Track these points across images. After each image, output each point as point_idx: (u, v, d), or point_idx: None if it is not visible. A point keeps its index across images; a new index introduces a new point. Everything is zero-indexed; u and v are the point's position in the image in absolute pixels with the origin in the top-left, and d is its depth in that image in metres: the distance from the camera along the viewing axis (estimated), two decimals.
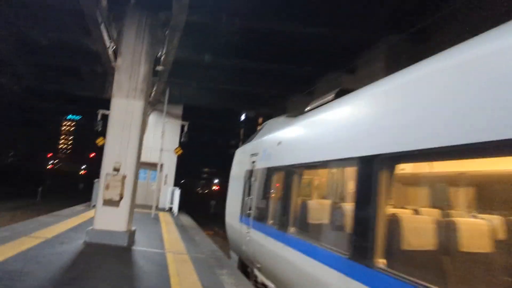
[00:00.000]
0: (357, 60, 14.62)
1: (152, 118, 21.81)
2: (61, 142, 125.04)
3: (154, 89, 17.15)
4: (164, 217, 17.47)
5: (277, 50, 14.28)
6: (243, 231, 8.46)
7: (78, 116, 74.13)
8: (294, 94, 20.09)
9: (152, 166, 21.61)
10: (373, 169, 3.61)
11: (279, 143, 6.98)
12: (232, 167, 10.88)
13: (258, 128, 13.45)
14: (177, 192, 19.37)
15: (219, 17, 11.60)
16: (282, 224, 6.07)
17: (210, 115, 27.00)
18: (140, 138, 10.18)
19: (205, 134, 32.84)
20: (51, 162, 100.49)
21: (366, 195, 3.65)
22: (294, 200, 5.93)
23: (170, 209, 20.64)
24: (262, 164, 7.86)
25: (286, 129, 7.04)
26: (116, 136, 9.82)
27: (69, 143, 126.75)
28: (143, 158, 22.53)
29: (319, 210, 5.43)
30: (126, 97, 10.01)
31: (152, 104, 20.17)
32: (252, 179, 8.42)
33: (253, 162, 8.59)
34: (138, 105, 10.09)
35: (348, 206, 4.22)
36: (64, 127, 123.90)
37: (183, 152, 21.10)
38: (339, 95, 5.83)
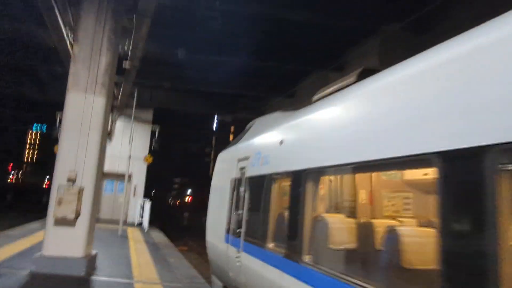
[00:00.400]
0: (346, 56, 13.34)
1: (120, 124, 19.89)
2: (27, 152, 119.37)
3: (121, 90, 15.34)
4: (133, 233, 15.55)
5: (260, 42, 12.80)
6: (231, 254, 6.82)
7: (44, 125, 70.47)
8: (276, 96, 18.70)
9: (120, 177, 19.61)
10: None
11: (281, 142, 5.43)
12: (213, 176, 9.21)
13: (240, 132, 11.86)
14: (148, 204, 17.46)
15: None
16: (293, 250, 4.50)
17: (183, 121, 25.20)
18: (102, 142, 8.41)
19: (178, 141, 30.82)
20: (13, 174, 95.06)
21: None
22: (310, 217, 4.38)
23: (140, 223, 18.70)
24: (255, 171, 6.29)
25: (290, 124, 5.50)
26: (72, 140, 8.02)
27: (35, 153, 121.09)
28: (110, 168, 20.70)
29: (359, 229, 3.96)
30: (84, 92, 8.24)
31: (118, 109, 18.28)
32: (241, 189, 6.82)
33: (242, 168, 7.00)
34: (98, 102, 8.34)
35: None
36: (30, 136, 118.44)
37: (154, 161, 19.27)
38: (363, 76, 4.38)
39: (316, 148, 4.47)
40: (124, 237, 14.14)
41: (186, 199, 43.84)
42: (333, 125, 4.33)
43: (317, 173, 4.38)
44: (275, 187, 5.54)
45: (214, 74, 16.20)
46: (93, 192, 8.04)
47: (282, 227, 5.08)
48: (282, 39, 12.81)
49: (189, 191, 44.03)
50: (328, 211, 4.71)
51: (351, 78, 4.62)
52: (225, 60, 14.53)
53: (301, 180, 4.54)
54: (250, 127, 8.30)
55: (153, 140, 16.52)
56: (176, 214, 40.37)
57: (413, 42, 10.80)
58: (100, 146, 8.29)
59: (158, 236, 15.87)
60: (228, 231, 7.22)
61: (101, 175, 8.99)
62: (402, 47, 10.89)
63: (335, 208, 4.83)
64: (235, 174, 7.33)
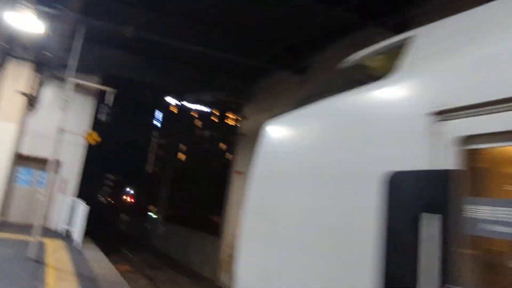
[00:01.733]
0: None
1: (52, 92, 14.06)
2: None
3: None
4: (56, 253, 9.94)
5: None
6: None
7: None
8: (273, 72, 13.98)
9: (43, 164, 13.77)
10: None
11: None
12: (255, 165, 4.25)
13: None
14: (82, 208, 11.81)
15: None
16: None
17: (139, 97, 19.55)
18: None
19: (126, 125, 24.64)
20: None
21: None
22: None
23: (68, 235, 13.00)
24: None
25: None
26: None
27: None
28: (30, 151, 14.69)
29: None
30: None
31: (48, 67, 12.55)
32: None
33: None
34: None
35: None
36: None
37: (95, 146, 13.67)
38: None
39: None
40: (39, 262, 8.53)
41: (126, 199, 37.25)
42: None
43: None
44: None
45: (193, 30, 11.22)
46: None
47: None
48: None
49: (129, 190, 37.45)
50: None
51: None
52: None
53: None
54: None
55: (102, 108, 10.83)
56: (110, 216, 33.88)
57: None
58: None
59: (98, 258, 10.37)
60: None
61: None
62: None
63: None
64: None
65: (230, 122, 20.47)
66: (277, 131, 4.25)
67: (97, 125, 14.12)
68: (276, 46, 12.17)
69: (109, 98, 10.68)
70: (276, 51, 12.40)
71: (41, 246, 9.98)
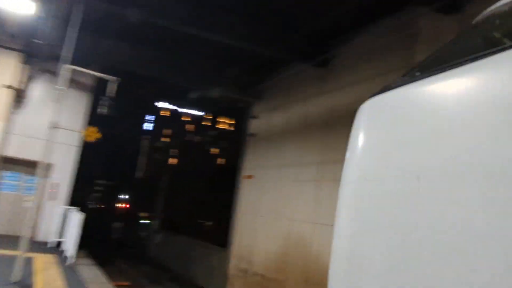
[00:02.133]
0: None
1: (39, 87, 12.58)
2: None
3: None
4: (45, 271, 8.44)
5: None
6: None
7: None
8: (289, 65, 12.64)
9: (31, 167, 12.27)
10: None
11: None
12: (351, 162, 2.89)
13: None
14: (76, 217, 10.29)
15: None
16: None
17: (138, 94, 18.07)
18: None
19: (119, 126, 22.92)
20: None
21: None
22: None
23: (60, 248, 11.50)
24: None
25: None
26: None
27: None
28: (17, 152, 13.01)
29: None
30: None
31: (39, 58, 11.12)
32: None
33: None
34: None
35: None
36: None
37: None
38: None
39: None
40: (26, 285, 7.04)
41: (119, 206, 35.46)
42: None
43: None
44: None
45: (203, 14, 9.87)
46: None
47: None
48: None
49: (123, 196, 35.63)
50: None
51: None
52: None
53: None
54: None
55: (102, 101, 9.26)
56: (103, 223, 32.13)
57: None
58: None
59: (95, 278, 8.86)
60: None
61: None
62: None
63: None
64: None
65: (238, 122, 19.07)
66: (385, 114, 2.85)
67: (92, 124, 12.66)
68: (294, 33, 10.80)
69: (111, 89, 9.23)
70: (294, 40, 11.05)
71: (28, 264, 8.50)
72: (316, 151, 10.82)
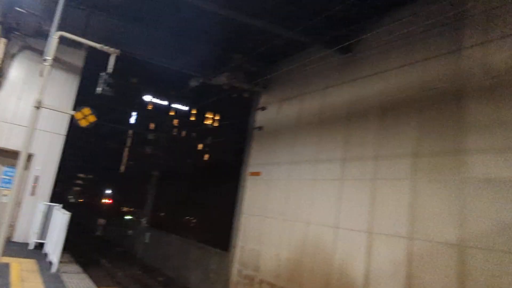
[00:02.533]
0: None
1: (21, 67, 11.00)
2: None
3: None
4: (25, 282, 6.98)
5: None
6: None
7: None
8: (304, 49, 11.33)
9: (10, 157, 10.75)
10: None
11: None
12: None
13: None
14: (61, 216, 8.80)
15: None
16: None
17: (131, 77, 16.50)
18: None
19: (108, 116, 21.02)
20: None
21: None
22: None
23: (41, 248, 10.01)
24: None
25: None
26: None
27: None
28: None
29: None
30: None
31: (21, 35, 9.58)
32: None
33: None
34: None
35: None
36: None
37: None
38: None
39: None
40: None
41: (104, 201, 33.58)
42: None
43: None
44: None
45: None
46: None
47: None
48: None
49: (108, 191, 33.75)
50: None
51: None
52: None
53: None
54: None
55: (103, 77, 7.70)
56: (86, 220, 30.41)
57: None
58: None
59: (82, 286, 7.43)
60: None
61: None
62: None
63: None
64: None
65: (242, 114, 17.67)
66: None
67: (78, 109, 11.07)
68: (312, 15, 9.48)
69: (110, 63, 7.72)
70: (312, 23, 9.71)
71: (4, 273, 7.05)
72: (339, 147, 9.57)
